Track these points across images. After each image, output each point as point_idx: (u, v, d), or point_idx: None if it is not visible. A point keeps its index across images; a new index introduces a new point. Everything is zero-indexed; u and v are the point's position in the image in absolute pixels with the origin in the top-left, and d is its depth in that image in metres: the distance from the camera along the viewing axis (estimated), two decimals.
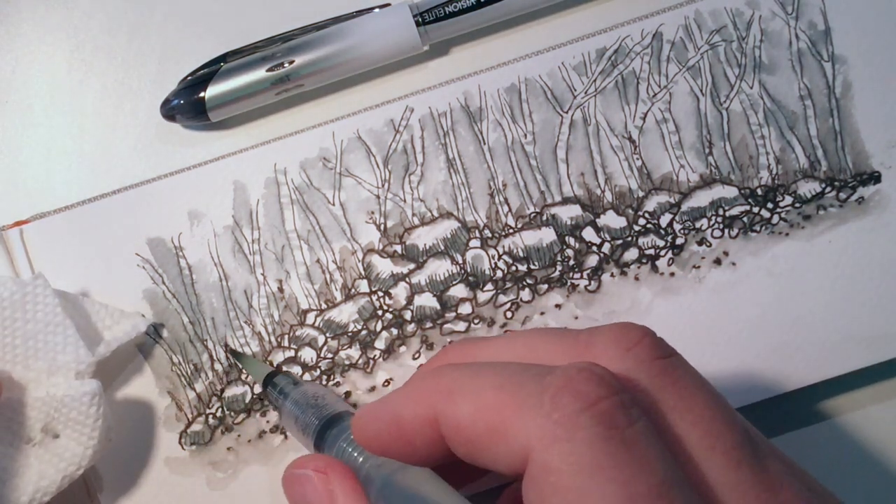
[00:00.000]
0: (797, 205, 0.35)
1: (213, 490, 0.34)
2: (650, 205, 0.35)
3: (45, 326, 0.32)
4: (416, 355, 0.35)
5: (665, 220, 0.35)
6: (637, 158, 0.35)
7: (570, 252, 0.35)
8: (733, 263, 0.35)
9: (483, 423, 0.22)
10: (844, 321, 0.35)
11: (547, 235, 0.35)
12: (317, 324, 0.35)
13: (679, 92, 0.36)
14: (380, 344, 0.35)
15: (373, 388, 0.35)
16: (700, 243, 0.35)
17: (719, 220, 0.35)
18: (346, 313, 0.35)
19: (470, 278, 0.35)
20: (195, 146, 0.37)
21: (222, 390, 0.35)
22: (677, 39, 0.36)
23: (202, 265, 0.35)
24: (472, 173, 0.35)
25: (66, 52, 0.37)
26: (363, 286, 0.35)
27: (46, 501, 0.32)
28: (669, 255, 0.35)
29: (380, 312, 0.35)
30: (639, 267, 0.35)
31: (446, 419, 0.23)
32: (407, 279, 0.35)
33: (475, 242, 0.35)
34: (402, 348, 0.35)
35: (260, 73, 0.35)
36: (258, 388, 0.35)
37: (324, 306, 0.35)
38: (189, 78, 0.36)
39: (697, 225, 0.35)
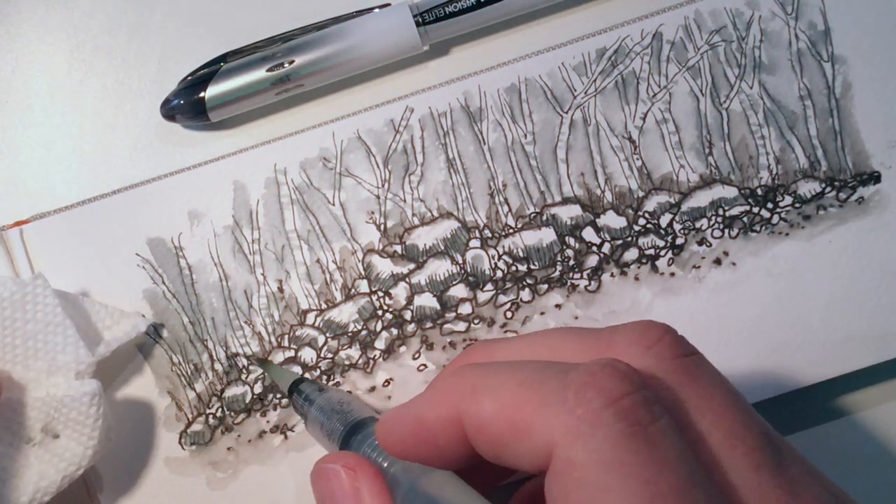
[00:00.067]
0: (797, 205, 0.35)
1: (213, 490, 0.34)
2: (650, 205, 0.35)
3: (45, 326, 0.32)
4: (416, 355, 0.35)
5: (665, 220, 0.35)
6: (637, 158, 0.35)
7: (570, 252, 0.35)
8: (733, 263, 0.35)
9: (506, 420, 0.22)
10: (844, 321, 0.35)
11: (547, 235, 0.35)
12: (317, 324, 0.35)
13: (679, 92, 0.36)
14: (380, 344, 0.35)
15: (373, 388, 0.35)
16: (700, 243, 0.35)
17: (719, 220, 0.35)
18: (346, 313, 0.35)
19: (470, 278, 0.35)
20: (195, 146, 0.37)
21: (222, 390, 0.35)
22: (677, 39, 0.36)
23: (202, 265, 0.35)
24: (472, 173, 0.35)
25: (66, 52, 0.37)
26: (363, 286, 0.35)
27: (46, 501, 0.32)
28: (669, 255, 0.35)
29: (380, 312, 0.35)
30: (639, 267, 0.35)
31: (469, 418, 0.23)
32: (407, 279, 0.35)
33: (475, 242, 0.35)
34: (402, 348, 0.35)
35: (260, 73, 0.35)
36: (258, 388, 0.35)
37: (324, 306, 0.35)
38: (189, 78, 0.36)
39: (697, 225, 0.35)
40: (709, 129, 0.36)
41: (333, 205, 0.35)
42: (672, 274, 0.35)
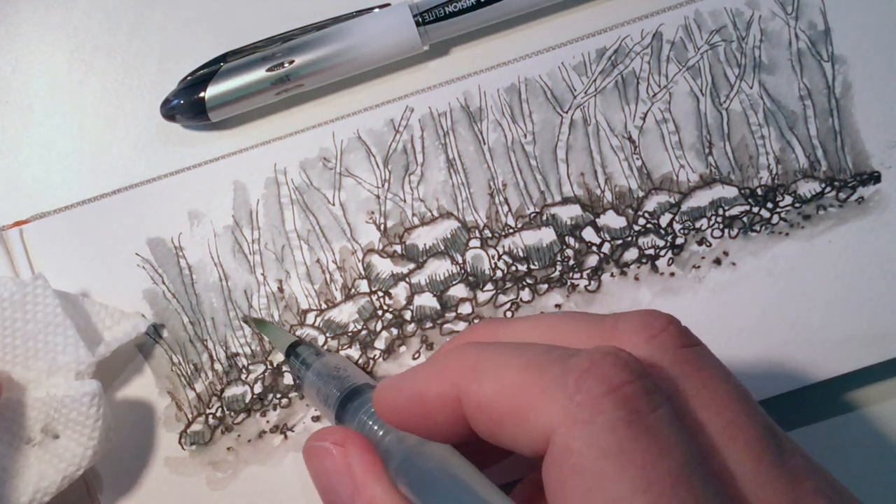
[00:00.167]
0: (797, 205, 0.35)
1: (213, 490, 0.34)
2: (650, 205, 0.35)
3: (46, 327, 0.32)
4: (416, 355, 0.35)
5: (665, 220, 0.35)
6: (637, 158, 0.35)
7: (570, 252, 0.35)
8: (733, 263, 0.35)
9: (506, 402, 0.22)
10: (844, 321, 0.35)
11: (547, 235, 0.35)
12: (317, 324, 0.35)
13: (679, 92, 0.36)
14: (380, 344, 0.35)
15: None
16: (700, 243, 0.35)
17: (719, 220, 0.35)
18: (346, 313, 0.35)
19: (470, 278, 0.35)
20: (195, 146, 0.36)
21: (222, 390, 0.35)
22: (677, 39, 0.36)
23: (202, 265, 0.35)
24: (472, 173, 0.35)
25: (66, 52, 0.37)
26: (363, 286, 0.35)
27: (46, 502, 0.32)
28: (669, 255, 0.35)
29: (380, 312, 0.35)
30: (639, 267, 0.35)
31: (469, 397, 0.23)
32: (407, 279, 0.35)
33: (475, 242, 0.35)
34: (402, 348, 0.35)
35: (260, 73, 0.35)
36: (258, 388, 0.35)
37: (324, 306, 0.35)
38: (189, 78, 0.36)
39: (697, 225, 0.35)
40: (709, 128, 0.36)
41: (333, 205, 0.35)
42: (672, 274, 0.35)
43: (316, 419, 0.35)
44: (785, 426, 0.35)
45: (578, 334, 0.25)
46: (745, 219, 0.35)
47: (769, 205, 0.35)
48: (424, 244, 0.35)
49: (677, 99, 0.36)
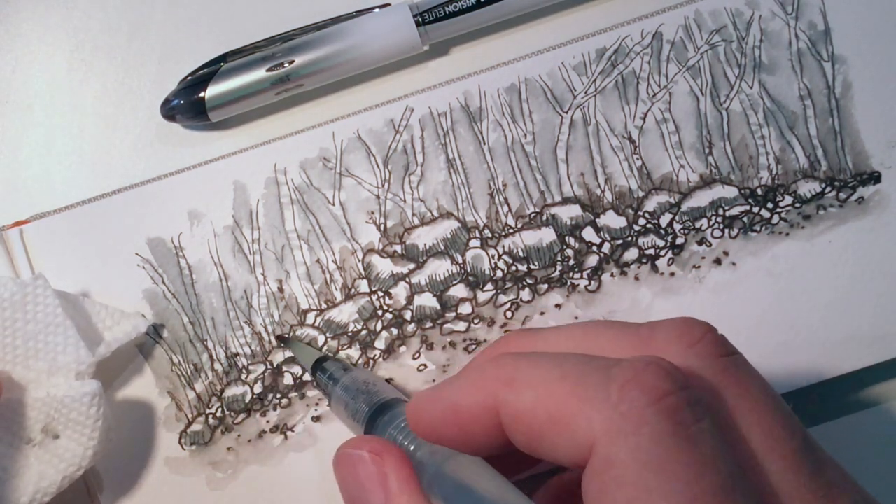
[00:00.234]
0: (797, 205, 0.35)
1: (213, 490, 0.34)
2: (650, 205, 0.35)
3: (46, 327, 0.32)
4: (416, 355, 0.35)
5: (665, 220, 0.35)
6: (637, 158, 0.35)
7: (570, 252, 0.35)
8: (733, 263, 0.35)
9: (545, 412, 0.22)
10: (844, 321, 0.35)
11: (547, 235, 0.35)
12: (317, 324, 0.35)
13: (679, 92, 0.36)
14: (380, 344, 0.35)
15: None
16: (700, 243, 0.35)
17: (719, 220, 0.35)
18: (346, 313, 0.35)
19: (470, 278, 0.35)
20: (195, 146, 0.36)
21: (222, 390, 0.35)
22: (677, 39, 0.36)
23: (202, 265, 0.35)
24: (472, 173, 0.35)
25: (66, 52, 0.37)
26: (363, 286, 0.35)
27: (47, 502, 0.32)
28: (669, 255, 0.35)
29: (380, 312, 0.35)
30: (639, 267, 0.35)
31: (507, 408, 0.23)
32: (407, 279, 0.35)
33: (475, 242, 0.35)
34: (402, 348, 0.35)
35: (260, 73, 0.35)
36: (258, 388, 0.35)
37: (324, 306, 0.35)
38: (189, 78, 0.36)
39: (697, 225, 0.35)
40: (709, 128, 0.36)
41: (333, 205, 0.35)
42: (672, 274, 0.35)
43: (316, 419, 0.35)
44: None
45: (614, 343, 0.25)
46: (745, 219, 0.35)
47: (769, 205, 0.35)
48: (424, 244, 0.35)
49: (677, 99, 0.36)
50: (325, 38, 0.35)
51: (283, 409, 0.35)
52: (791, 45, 0.36)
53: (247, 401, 0.35)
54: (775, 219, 0.35)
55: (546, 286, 0.35)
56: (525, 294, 0.35)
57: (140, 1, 0.37)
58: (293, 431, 0.35)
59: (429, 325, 0.35)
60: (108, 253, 0.35)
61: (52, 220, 0.35)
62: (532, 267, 0.35)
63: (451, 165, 0.35)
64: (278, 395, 0.35)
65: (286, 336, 0.35)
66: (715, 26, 0.36)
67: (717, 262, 0.35)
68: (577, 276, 0.35)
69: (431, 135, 0.35)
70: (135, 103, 0.37)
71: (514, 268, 0.35)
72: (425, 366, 0.35)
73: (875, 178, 0.35)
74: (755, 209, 0.35)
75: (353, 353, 0.35)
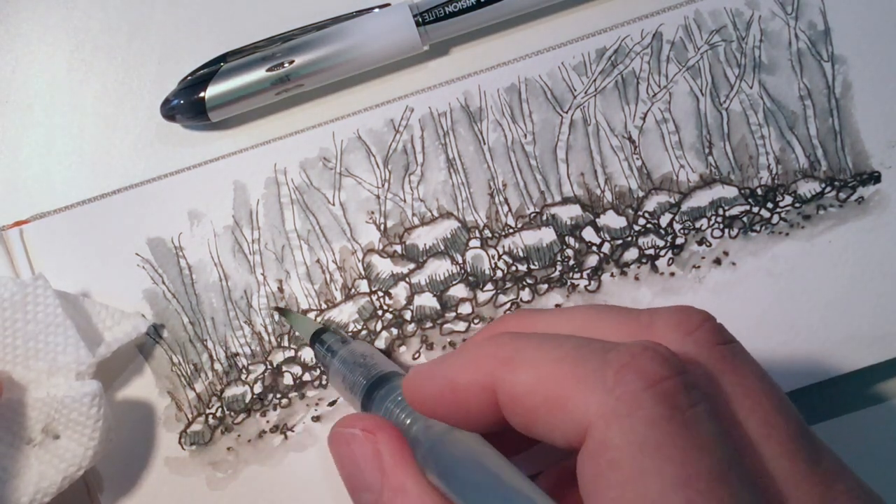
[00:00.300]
0: (797, 205, 0.35)
1: (213, 490, 0.34)
2: (650, 205, 0.35)
3: (46, 327, 0.32)
4: (416, 355, 0.35)
5: (665, 220, 0.35)
6: (637, 158, 0.35)
7: (570, 252, 0.35)
8: (733, 263, 0.35)
9: (542, 393, 0.22)
10: (844, 321, 0.35)
11: (547, 235, 0.35)
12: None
13: (679, 92, 0.36)
14: (380, 344, 0.35)
15: None
16: (700, 243, 0.35)
17: (719, 220, 0.35)
18: (346, 313, 0.35)
19: (470, 278, 0.35)
20: (195, 146, 0.36)
21: (222, 390, 0.35)
22: (677, 39, 0.36)
23: (202, 265, 0.35)
24: (472, 173, 0.35)
25: (66, 52, 0.37)
26: (363, 286, 0.35)
27: (47, 502, 0.32)
28: (669, 255, 0.35)
29: (380, 312, 0.35)
30: (639, 267, 0.35)
31: (504, 387, 0.23)
32: (407, 279, 0.35)
33: (475, 242, 0.35)
34: (402, 348, 0.35)
35: (260, 73, 0.35)
36: (258, 388, 0.35)
37: (324, 306, 0.35)
38: (189, 78, 0.36)
39: (697, 225, 0.35)
40: (709, 128, 0.36)
41: (333, 205, 0.35)
42: (672, 274, 0.35)
43: (316, 419, 0.35)
44: None
45: (614, 328, 0.25)
46: (745, 219, 0.35)
47: (769, 205, 0.35)
48: (424, 244, 0.35)
49: (677, 99, 0.36)
50: (325, 38, 0.35)
51: (283, 409, 0.35)
52: (791, 45, 0.36)
53: (247, 401, 0.35)
54: (775, 219, 0.35)
55: (546, 286, 0.35)
56: (525, 294, 0.35)
57: (140, 1, 0.37)
58: (293, 431, 0.35)
59: (429, 325, 0.35)
60: (108, 253, 0.35)
61: (52, 220, 0.35)
62: (532, 267, 0.35)
63: (451, 165, 0.35)
64: (278, 395, 0.35)
65: (283, 308, 0.34)
66: (715, 26, 0.36)
67: (717, 262, 0.35)
68: (577, 276, 0.35)
69: (431, 135, 0.35)
70: (135, 103, 0.37)
71: (514, 268, 0.35)
72: None
73: (875, 178, 0.35)
74: (755, 209, 0.35)
75: None
